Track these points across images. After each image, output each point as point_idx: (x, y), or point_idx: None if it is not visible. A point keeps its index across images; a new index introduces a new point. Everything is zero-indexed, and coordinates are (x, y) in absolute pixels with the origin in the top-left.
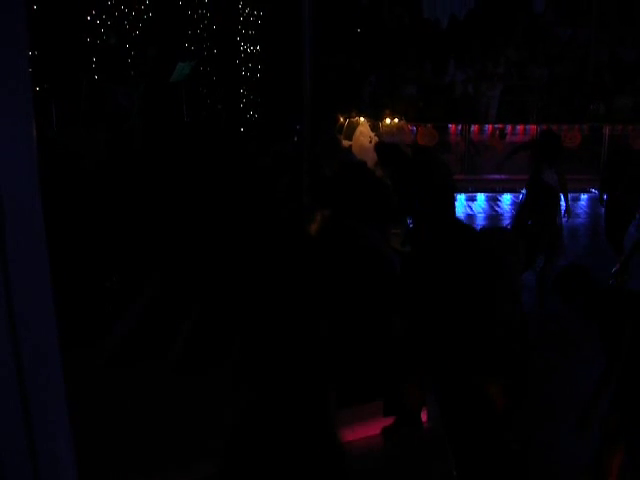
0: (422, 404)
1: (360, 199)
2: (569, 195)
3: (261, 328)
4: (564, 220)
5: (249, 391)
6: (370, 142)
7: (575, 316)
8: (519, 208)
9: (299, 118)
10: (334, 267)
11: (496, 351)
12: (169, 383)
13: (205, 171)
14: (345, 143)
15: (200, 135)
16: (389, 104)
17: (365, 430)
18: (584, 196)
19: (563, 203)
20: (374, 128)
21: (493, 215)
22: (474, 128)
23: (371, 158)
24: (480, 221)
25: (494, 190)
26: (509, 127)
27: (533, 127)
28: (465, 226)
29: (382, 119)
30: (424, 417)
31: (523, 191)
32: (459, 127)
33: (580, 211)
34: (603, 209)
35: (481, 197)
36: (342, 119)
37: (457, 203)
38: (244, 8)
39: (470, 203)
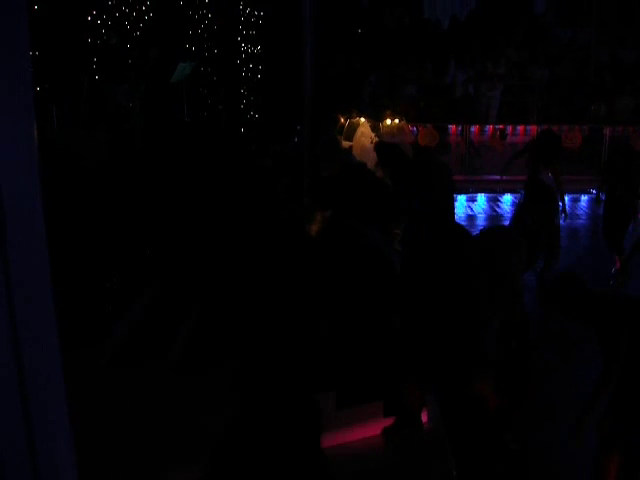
0: (422, 404)
1: (360, 200)
2: (569, 196)
3: (261, 328)
4: (561, 221)
5: (242, 394)
6: (371, 143)
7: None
8: (517, 208)
9: (299, 118)
10: (334, 267)
11: (483, 352)
12: (169, 383)
13: (205, 171)
14: (345, 144)
15: (201, 135)
16: (389, 105)
17: (365, 431)
18: (584, 197)
19: (560, 204)
20: (374, 129)
21: (493, 215)
22: (474, 129)
23: (372, 159)
24: (481, 222)
25: (494, 191)
26: (509, 128)
27: (533, 128)
28: (462, 228)
29: (382, 120)
30: (424, 417)
31: (522, 191)
32: (459, 128)
33: (580, 212)
34: (601, 209)
35: (482, 198)
36: (342, 120)
37: (457, 204)
38: (245, 8)
39: (470, 204)
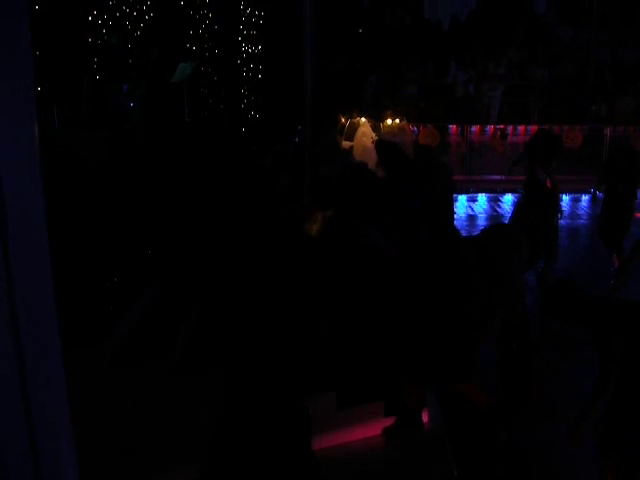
0: (423, 404)
1: (361, 200)
2: (570, 196)
3: (261, 328)
4: (561, 221)
5: (230, 396)
6: (372, 143)
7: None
8: (516, 208)
9: (300, 119)
10: (335, 267)
11: (470, 352)
12: (169, 383)
13: (206, 171)
14: (346, 144)
15: (201, 135)
16: (390, 105)
17: (366, 430)
18: (585, 197)
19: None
20: (375, 129)
21: (494, 215)
22: (475, 129)
23: (373, 159)
24: (481, 221)
25: (495, 191)
26: (510, 128)
27: (534, 128)
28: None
29: (383, 120)
30: (425, 417)
31: (521, 191)
32: (460, 128)
33: (581, 212)
34: (598, 208)
35: (482, 198)
36: (343, 120)
37: (458, 204)
38: (245, 9)
39: (471, 204)
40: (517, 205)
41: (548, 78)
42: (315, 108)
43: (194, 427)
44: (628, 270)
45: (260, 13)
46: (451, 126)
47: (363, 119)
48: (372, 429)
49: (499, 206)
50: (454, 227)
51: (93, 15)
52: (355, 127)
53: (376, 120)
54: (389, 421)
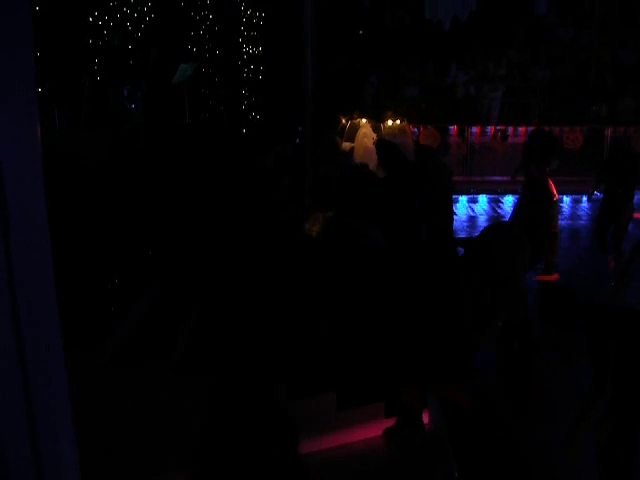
0: (423, 405)
1: (361, 200)
2: (570, 197)
3: (261, 328)
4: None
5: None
6: (373, 144)
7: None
8: (515, 208)
9: (301, 119)
10: (335, 267)
11: (460, 355)
12: (169, 383)
13: (207, 172)
14: (347, 145)
15: (202, 137)
16: (391, 106)
17: (367, 431)
18: (585, 198)
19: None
20: (376, 130)
21: (495, 216)
22: (476, 130)
23: (374, 160)
24: (482, 222)
25: (496, 192)
26: (511, 129)
27: (535, 129)
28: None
29: (384, 121)
30: (425, 418)
31: (521, 192)
32: (461, 128)
33: (581, 213)
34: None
35: (483, 199)
36: (344, 121)
37: (459, 205)
38: (246, 10)
39: (472, 205)
40: (516, 206)
41: (549, 79)
42: (315, 109)
43: (194, 427)
44: (629, 272)
45: (260, 14)
46: (452, 127)
47: (364, 120)
48: (373, 430)
49: (500, 207)
50: (450, 228)
51: (94, 16)
52: (355, 128)
53: (377, 121)
54: (390, 422)
